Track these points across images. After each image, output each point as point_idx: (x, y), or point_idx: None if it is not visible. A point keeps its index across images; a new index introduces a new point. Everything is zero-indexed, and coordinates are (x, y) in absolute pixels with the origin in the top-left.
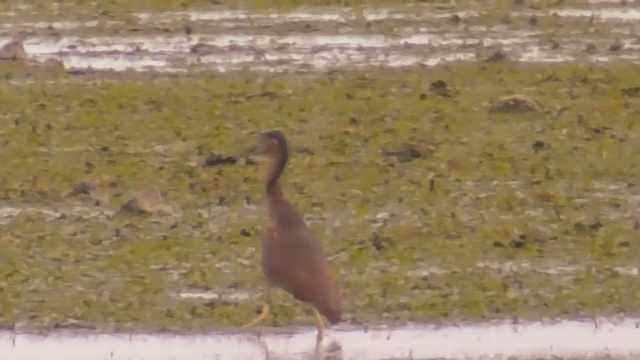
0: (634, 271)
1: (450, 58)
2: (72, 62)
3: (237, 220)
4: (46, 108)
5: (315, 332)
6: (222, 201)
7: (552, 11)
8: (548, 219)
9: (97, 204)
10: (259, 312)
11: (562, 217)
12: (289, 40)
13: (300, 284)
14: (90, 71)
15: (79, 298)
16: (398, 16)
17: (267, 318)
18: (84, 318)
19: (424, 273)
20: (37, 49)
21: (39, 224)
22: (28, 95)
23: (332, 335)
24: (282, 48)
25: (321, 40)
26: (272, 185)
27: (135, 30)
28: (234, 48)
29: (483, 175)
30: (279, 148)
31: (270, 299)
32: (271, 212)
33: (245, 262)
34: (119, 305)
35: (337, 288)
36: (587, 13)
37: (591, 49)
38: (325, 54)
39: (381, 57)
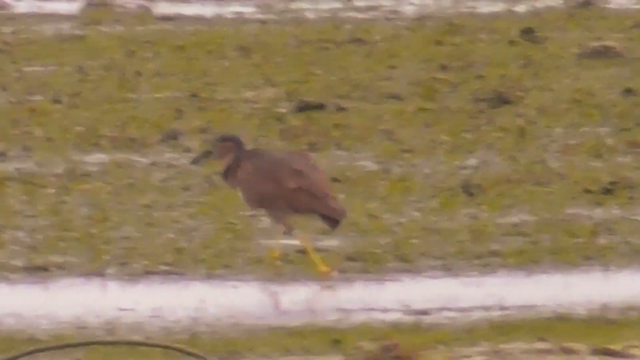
0: None
1: (539, 4)
2: (161, 8)
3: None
4: (135, 54)
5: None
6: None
7: None
8: (637, 166)
9: (187, 150)
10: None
11: None
12: None
13: (291, 195)
14: (179, 17)
15: (170, 245)
16: None
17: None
18: (175, 265)
19: (514, 220)
20: None
21: (129, 171)
22: (117, 42)
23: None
24: None
25: None
26: (227, 173)
27: None
28: None
29: (572, 122)
30: (235, 149)
31: (292, 228)
32: (236, 182)
33: None
34: (209, 252)
35: (331, 189)
36: None
37: None
38: (414, 0)
39: (470, 3)
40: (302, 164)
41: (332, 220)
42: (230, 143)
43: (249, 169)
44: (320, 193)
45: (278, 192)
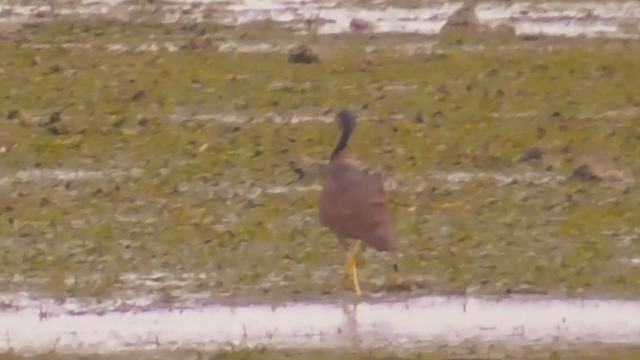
0: None
1: None
2: (524, 28)
3: None
4: (498, 73)
5: None
6: None
7: None
8: None
9: (549, 169)
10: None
11: None
12: None
13: (344, 221)
14: (541, 37)
15: (531, 263)
16: None
17: (350, 272)
18: (536, 283)
19: None
20: (488, 14)
21: (491, 189)
22: (480, 61)
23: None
24: None
25: None
26: (336, 154)
27: None
28: None
29: None
30: (341, 125)
31: (350, 249)
32: (326, 174)
33: None
34: (570, 271)
35: (387, 221)
36: None
37: None
38: None
39: None
40: (366, 189)
41: (380, 247)
42: (339, 119)
43: (326, 188)
44: (370, 221)
45: (335, 217)
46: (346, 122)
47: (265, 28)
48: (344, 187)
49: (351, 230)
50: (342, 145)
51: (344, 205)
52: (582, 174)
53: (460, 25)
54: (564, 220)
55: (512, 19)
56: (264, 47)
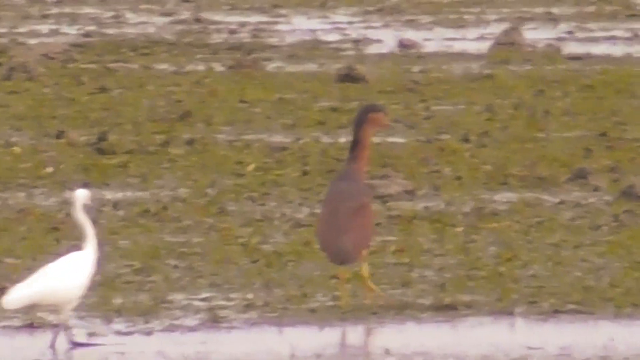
0: None
1: None
2: (570, 48)
3: None
4: (544, 93)
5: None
6: None
7: None
8: None
9: (596, 189)
10: None
11: None
12: None
13: (317, 232)
14: (588, 56)
15: (578, 283)
16: None
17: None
18: (583, 303)
19: None
20: (535, 34)
21: (538, 209)
22: (526, 81)
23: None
24: None
25: None
26: (351, 155)
27: (633, 15)
28: None
29: None
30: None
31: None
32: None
33: None
34: (618, 291)
35: (354, 231)
36: None
37: None
38: None
39: None
40: (342, 199)
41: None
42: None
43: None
44: (333, 230)
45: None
46: (356, 116)
47: (312, 48)
48: (328, 196)
49: (318, 233)
50: (355, 143)
51: (321, 216)
52: (629, 194)
53: (507, 45)
54: (611, 240)
55: (559, 39)
56: (311, 67)
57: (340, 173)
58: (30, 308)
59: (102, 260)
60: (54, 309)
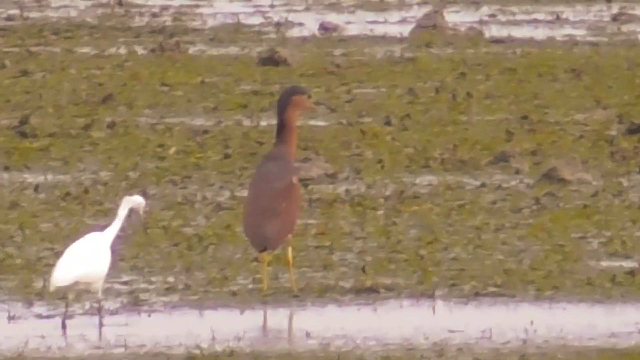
0: None
1: None
2: (492, 31)
3: None
4: (466, 76)
5: None
6: None
7: None
8: None
9: (517, 172)
10: None
11: None
12: None
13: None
14: (510, 40)
15: (499, 266)
16: None
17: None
18: (504, 286)
19: None
20: (457, 17)
21: (459, 192)
22: (448, 64)
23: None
24: None
25: None
26: (278, 138)
27: None
28: None
29: None
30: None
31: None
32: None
33: None
34: (538, 274)
35: (279, 217)
36: None
37: None
38: None
39: None
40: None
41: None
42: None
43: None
44: (257, 216)
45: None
46: (279, 99)
47: (234, 31)
48: (253, 178)
49: (243, 216)
50: (280, 126)
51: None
52: (550, 177)
53: (429, 29)
54: (532, 223)
55: (481, 22)
56: (233, 50)
57: (269, 155)
58: (74, 285)
59: (23, 243)
60: (94, 285)
